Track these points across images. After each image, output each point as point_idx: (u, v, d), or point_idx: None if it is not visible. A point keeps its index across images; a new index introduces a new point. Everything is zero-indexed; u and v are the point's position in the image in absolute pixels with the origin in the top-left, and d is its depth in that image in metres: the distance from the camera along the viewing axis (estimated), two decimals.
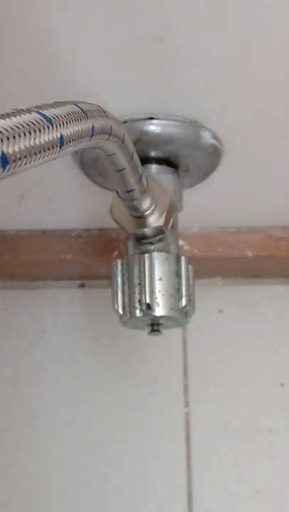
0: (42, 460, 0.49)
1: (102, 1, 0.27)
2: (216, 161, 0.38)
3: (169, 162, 0.37)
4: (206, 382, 0.51)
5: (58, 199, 0.43)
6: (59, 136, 0.19)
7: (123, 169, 0.28)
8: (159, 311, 0.34)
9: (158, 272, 0.34)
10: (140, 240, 0.35)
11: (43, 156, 0.18)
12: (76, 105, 0.21)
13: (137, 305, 0.34)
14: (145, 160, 0.37)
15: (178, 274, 0.35)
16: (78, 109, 0.21)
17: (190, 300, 0.35)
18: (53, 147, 0.19)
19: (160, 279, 0.34)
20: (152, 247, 0.35)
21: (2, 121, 0.17)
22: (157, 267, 0.34)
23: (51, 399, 0.51)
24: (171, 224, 0.35)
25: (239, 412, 0.51)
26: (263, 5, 0.27)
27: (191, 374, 0.51)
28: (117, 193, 0.32)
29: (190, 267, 0.36)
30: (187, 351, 0.51)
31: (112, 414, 0.50)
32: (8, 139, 0.17)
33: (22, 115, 0.18)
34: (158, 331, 0.35)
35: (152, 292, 0.34)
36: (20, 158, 0.17)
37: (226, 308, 0.53)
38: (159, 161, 0.37)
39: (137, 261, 0.34)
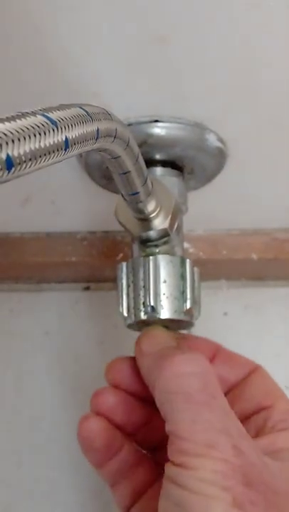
0: (46, 462, 0.49)
1: (106, 2, 0.27)
2: (221, 163, 0.38)
3: (174, 165, 0.37)
4: None
5: (62, 201, 0.43)
6: (64, 138, 0.19)
7: (128, 172, 0.28)
8: (163, 313, 0.34)
9: (163, 275, 0.34)
10: (145, 242, 0.35)
11: (48, 159, 0.18)
12: (81, 108, 0.21)
13: (142, 308, 0.34)
14: (150, 162, 0.37)
15: (182, 277, 0.35)
16: (83, 112, 0.21)
17: (195, 302, 0.35)
18: (57, 150, 0.19)
19: (165, 281, 0.34)
20: (157, 250, 0.35)
21: (7, 123, 0.17)
22: (162, 269, 0.34)
23: (55, 401, 0.51)
24: (176, 226, 0.35)
25: None
26: (266, 6, 0.27)
27: None
28: (122, 196, 0.32)
29: (195, 269, 0.36)
30: None
31: None
32: (13, 141, 0.17)
33: (27, 118, 0.18)
34: None
35: (157, 295, 0.34)
36: (25, 161, 0.17)
37: (230, 310, 0.53)
38: (164, 163, 0.37)
39: (141, 263, 0.34)
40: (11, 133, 0.17)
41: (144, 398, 0.35)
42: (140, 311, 0.34)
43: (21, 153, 0.17)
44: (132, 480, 0.35)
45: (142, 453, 0.36)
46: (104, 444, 0.34)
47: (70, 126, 0.20)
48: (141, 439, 0.36)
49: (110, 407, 0.34)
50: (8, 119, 0.17)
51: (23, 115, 0.18)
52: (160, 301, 0.34)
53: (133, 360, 0.35)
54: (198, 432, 0.28)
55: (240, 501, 0.27)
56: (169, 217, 0.34)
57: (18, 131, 0.17)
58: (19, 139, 0.17)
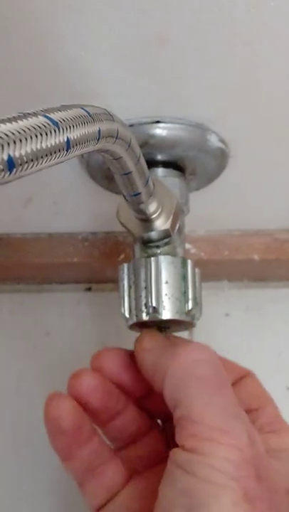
0: (47, 464, 0.49)
1: (108, 2, 0.27)
2: (222, 164, 0.38)
3: (175, 165, 0.37)
4: None
5: (64, 202, 0.43)
6: (65, 139, 0.19)
7: (130, 172, 0.28)
8: (165, 314, 0.34)
9: (164, 275, 0.34)
10: (147, 243, 0.35)
11: (50, 160, 0.18)
12: (83, 109, 0.21)
13: (144, 308, 0.34)
14: (152, 163, 0.37)
15: (184, 278, 0.34)
16: (85, 113, 0.21)
17: (196, 303, 0.35)
18: (59, 150, 0.19)
19: (166, 282, 0.34)
20: (159, 251, 0.35)
21: (9, 124, 0.17)
22: (164, 270, 0.34)
23: None
24: (177, 227, 0.35)
25: None
26: (266, 6, 0.27)
27: None
28: (124, 197, 0.32)
29: (197, 270, 0.36)
30: None
31: None
32: (14, 142, 0.17)
33: (29, 118, 0.18)
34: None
35: (159, 296, 0.34)
36: (26, 162, 0.17)
37: (232, 311, 0.53)
38: (166, 164, 0.37)
39: (143, 264, 0.34)
40: (13, 134, 0.17)
41: (125, 389, 0.35)
42: (142, 311, 0.34)
43: (23, 154, 0.17)
44: (104, 478, 0.33)
45: (112, 449, 0.35)
46: (73, 425, 0.32)
47: (71, 126, 0.20)
48: (114, 431, 0.35)
49: (89, 389, 0.33)
50: (9, 120, 0.17)
51: (25, 116, 0.18)
52: (162, 301, 0.34)
53: (123, 351, 0.35)
54: (213, 416, 0.28)
55: (252, 496, 0.26)
56: (171, 218, 0.34)
57: (19, 132, 0.17)
58: (21, 140, 0.17)
